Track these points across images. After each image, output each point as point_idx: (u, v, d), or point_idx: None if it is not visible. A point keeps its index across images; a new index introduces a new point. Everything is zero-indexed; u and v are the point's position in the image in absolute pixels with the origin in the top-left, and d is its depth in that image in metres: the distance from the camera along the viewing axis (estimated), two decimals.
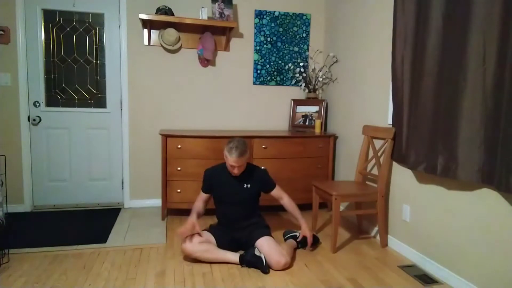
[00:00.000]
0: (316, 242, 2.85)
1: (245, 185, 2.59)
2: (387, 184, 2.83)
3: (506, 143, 1.80)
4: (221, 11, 3.54)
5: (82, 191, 3.66)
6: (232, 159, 2.45)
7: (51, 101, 3.52)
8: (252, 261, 2.38)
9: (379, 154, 2.89)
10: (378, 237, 2.95)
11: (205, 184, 2.66)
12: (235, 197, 2.59)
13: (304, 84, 3.91)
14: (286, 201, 2.70)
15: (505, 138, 1.80)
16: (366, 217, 3.16)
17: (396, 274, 2.39)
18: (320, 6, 3.99)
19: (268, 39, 3.88)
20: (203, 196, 2.68)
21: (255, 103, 3.93)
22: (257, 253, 2.40)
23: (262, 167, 2.79)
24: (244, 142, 2.51)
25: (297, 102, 3.97)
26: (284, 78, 3.97)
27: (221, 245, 2.52)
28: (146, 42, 3.58)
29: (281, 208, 2.79)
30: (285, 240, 2.78)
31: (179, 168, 3.27)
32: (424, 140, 2.34)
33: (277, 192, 2.70)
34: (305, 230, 2.67)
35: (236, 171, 2.51)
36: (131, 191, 3.71)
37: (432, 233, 2.42)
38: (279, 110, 4.00)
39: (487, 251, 2.02)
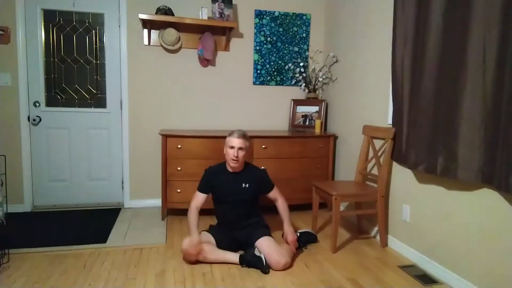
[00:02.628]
0: (313, 240, 2.86)
1: (243, 185, 2.59)
2: (387, 184, 2.83)
3: (506, 143, 1.80)
4: (221, 11, 3.54)
5: (82, 191, 3.66)
6: (234, 140, 2.49)
7: (51, 101, 3.52)
8: (252, 261, 2.38)
9: (379, 154, 2.88)
10: (378, 237, 2.95)
11: (205, 183, 2.63)
12: (234, 197, 2.58)
13: (304, 84, 3.91)
14: (280, 203, 2.70)
15: (505, 138, 1.80)
16: (366, 217, 3.16)
17: (396, 274, 2.39)
18: (320, 6, 3.99)
19: (268, 39, 3.88)
20: (199, 198, 2.60)
21: (255, 103, 3.93)
22: (257, 253, 2.40)
23: (262, 167, 2.79)
24: (245, 131, 2.61)
25: (297, 102, 3.97)
26: (284, 78, 3.97)
27: (221, 245, 2.52)
28: (146, 42, 3.58)
29: None
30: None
31: (179, 168, 3.27)
32: (424, 140, 2.34)
33: (274, 193, 2.70)
34: (286, 234, 2.63)
35: (236, 154, 2.49)
36: (131, 191, 3.71)
37: (432, 233, 2.42)
38: (279, 110, 4.00)
39: (487, 251, 2.02)
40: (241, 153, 2.52)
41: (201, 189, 2.63)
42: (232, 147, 2.50)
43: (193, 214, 2.56)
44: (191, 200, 2.62)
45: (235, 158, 2.49)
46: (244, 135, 2.54)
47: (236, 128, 3.82)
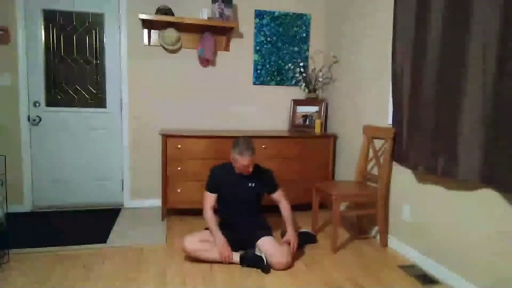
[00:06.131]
0: (312, 240, 2.86)
1: (249, 184, 2.59)
2: (387, 184, 2.83)
3: (506, 143, 1.80)
4: (221, 11, 3.54)
5: (82, 191, 3.66)
6: (246, 160, 2.45)
7: (51, 101, 3.51)
8: (253, 261, 2.39)
9: (379, 154, 2.89)
10: (378, 237, 2.95)
11: (213, 183, 2.61)
12: (240, 195, 2.58)
13: (304, 84, 3.90)
14: (284, 205, 2.69)
15: (505, 138, 1.80)
16: (366, 217, 3.16)
17: (396, 274, 2.39)
18: (320, 6, 3.99)
19: (268, 39, 3.88)
20: (211, 199, 2.60)
21: (255, 103, 3.93)
22: (258, 253, 2.40)
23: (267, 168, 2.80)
24: (250, 140, 2.55)
25: (297, 102, 3.97)
26: (284, 78, 3.97)
27: None
28: (146, 42, 3.58)
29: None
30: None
31: (179, 168, 3.27)
32: (424, 140, 2.34)
33: (278, 195, 2.70)
34: (289, 236, 2.60)
35: (250, 169, 2.51)
36: (131, 191, 3.71)
37: (432, 233, 2.42)
38: (279, 110, 4.00)
39: (487, 251, 2.02)
40: (252, 166, 2.53)
41: (211, 189, 2.62)
42: (245, 166, 2.48)
43: (211, 217, 2.56)
44: (204, 202, 2.60)
45: (250, 171, 2.52)
46: (253, 151, 2.48)
47: (236, 128, 3.85)
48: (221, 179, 2.61)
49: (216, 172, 2.64)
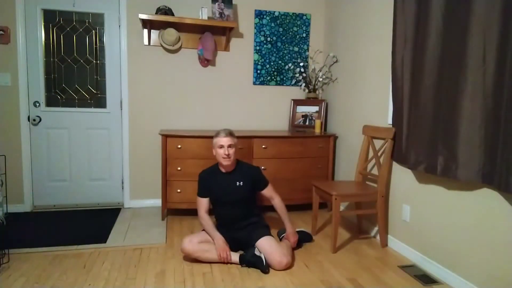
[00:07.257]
0: (308, 239, 2.87)
1: (237, 183, 2.59)
2: (387, 184, 2.83)
3: (506, 143, 1.80)
4: (221, 11, 3.54)
5: (82, 191, 3.66)
6: (222, 139, 2.49)
7: (51, 101, 3.52)
8: (252, 261, 2.39)
9: (379, 154, 2.88)
10: (378, 237, 2.95)
11: (203, 187, 2.63)
12: (230, 196, 2.58)
13: (304, 84, 3.91)
14: (277, 202, 2.70)
15: (505, 138, 1.80)
16: (366, 217, 3.16)
17: (396, 274, 2.39)
18: (320, 6, 3.99)
19: (268, 39, 3.88)
20: (204, 203, 2.62)
21: (255, 103, 3.93)
22: (257, 253, 2.40)
23: (262, 167, 2.79)
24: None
25: (297, 102, 3.97)
26: (284, 78, 3.97)
27: None
28: (146, 42, 3.58)
29: None
30: (280, 239, 2.79)
31: (179, 168, 3.27)
32: (424, 140, 2.34)
33: (268, 191, 2.70)
34: (289, 235, 2.68)
35: (227, 152, 2.49)
36: (131, 191, 3.71)
37: (432, 233, 2.42)
38: (279, 110, 4.00)
39: (487, 251, 2.02)
40: (232, 150, 2.52)
41: (201, 194, 2.64)
42: (221, 146, 2.51)
43: (206, 219, 2.59)
44: (197, 208, 2.64)
45: (226, 156, 2.50)
46: (230, 133, 2.56)
47: (236, 128, 3.85)
48: (209, 182, 2.62)
49: (203, 176, 2.65)
